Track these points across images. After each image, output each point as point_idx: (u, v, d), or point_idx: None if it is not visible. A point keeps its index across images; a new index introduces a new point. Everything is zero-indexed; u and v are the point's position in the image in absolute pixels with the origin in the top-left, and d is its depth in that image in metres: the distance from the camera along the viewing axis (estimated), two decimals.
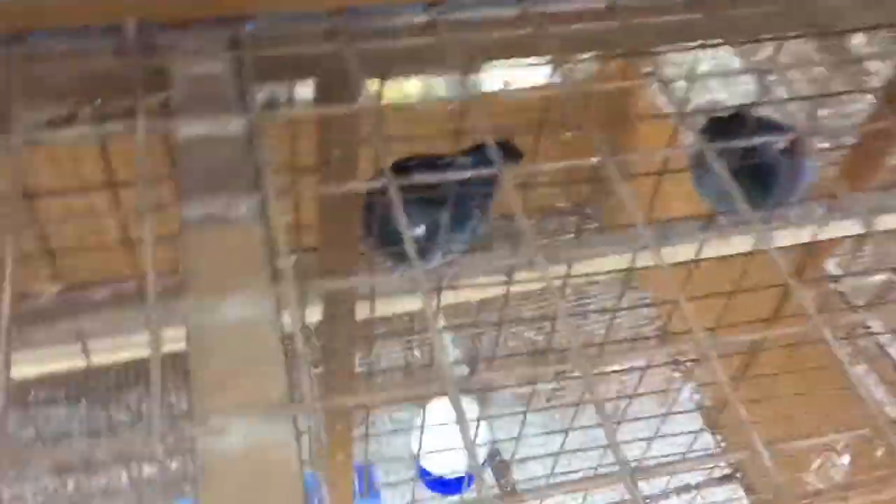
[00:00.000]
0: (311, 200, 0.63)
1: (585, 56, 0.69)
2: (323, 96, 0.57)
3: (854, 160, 1.28)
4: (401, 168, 1.06)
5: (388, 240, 0.90)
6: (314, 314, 0.76)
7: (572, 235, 2.42)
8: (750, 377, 1.32)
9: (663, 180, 0.78)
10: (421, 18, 0.53)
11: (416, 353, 2.47)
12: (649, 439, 1.24)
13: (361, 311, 0.76)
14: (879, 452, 1.58)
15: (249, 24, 0.51)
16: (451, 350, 2.65)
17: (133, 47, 0.49)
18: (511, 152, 1.10)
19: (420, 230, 0.82)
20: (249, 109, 0.47)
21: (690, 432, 1.45)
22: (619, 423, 1.25)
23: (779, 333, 0.99)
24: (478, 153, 1.07)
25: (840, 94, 2.67)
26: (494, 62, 0.57)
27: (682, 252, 0.83)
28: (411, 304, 0.95)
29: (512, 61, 0.56)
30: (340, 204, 0.63)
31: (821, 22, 0.59)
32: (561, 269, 0.76)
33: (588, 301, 2.80)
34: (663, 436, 1.22)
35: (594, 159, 0.46)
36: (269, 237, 0.43)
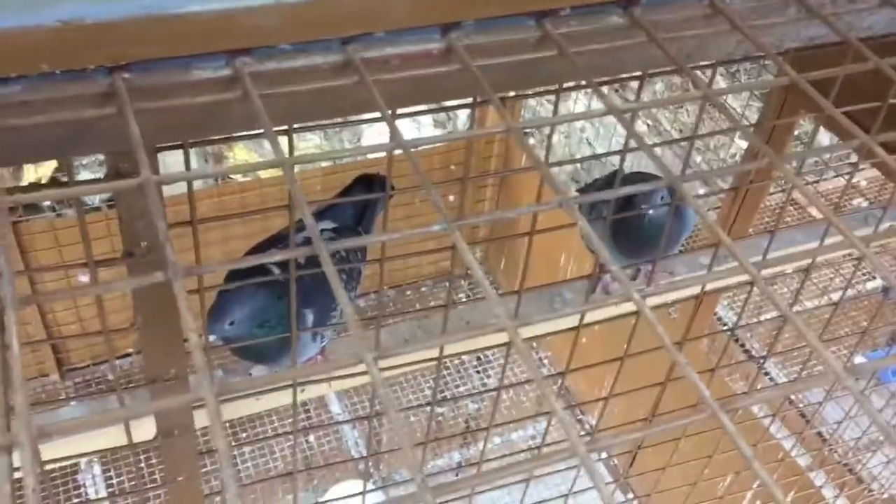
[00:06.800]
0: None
1: (424, 107, 0.62)
2: (113, 174, 0.47)
3: (733, 204, 1.27)
4: (259, 249, 0.93)
5: (237, 335, 0.77)
6: (147, 431, 0.64)
7: (464, 302, 2.35)
8: (657, 436, 1.26)
9: (561, 232, 0.71)
10: (224, 72, 0.44)
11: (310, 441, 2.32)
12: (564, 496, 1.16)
13: (202, 419, 0.64)
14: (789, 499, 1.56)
15: None
16: (350, 435, 2.50)
17: None
18: (380, 186, 0.92)
19: (228, 328, 0.71)
20: None
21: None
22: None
23: (676, 392, 0.92)
24: (334, 212, 0.94)
25: (712, 133, 2.75)
26: (317, 120, 0.48)
27: (569, 320, 0.76)
28: (274, 401, 0.84)
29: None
30: (155, 300, 0.52)
31: (678, 57, 0.53)
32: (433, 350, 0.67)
33: (489, 362, 2.72)
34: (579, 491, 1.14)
35: (435, 227, 0.38)
36: (4, 363, 0.32)
